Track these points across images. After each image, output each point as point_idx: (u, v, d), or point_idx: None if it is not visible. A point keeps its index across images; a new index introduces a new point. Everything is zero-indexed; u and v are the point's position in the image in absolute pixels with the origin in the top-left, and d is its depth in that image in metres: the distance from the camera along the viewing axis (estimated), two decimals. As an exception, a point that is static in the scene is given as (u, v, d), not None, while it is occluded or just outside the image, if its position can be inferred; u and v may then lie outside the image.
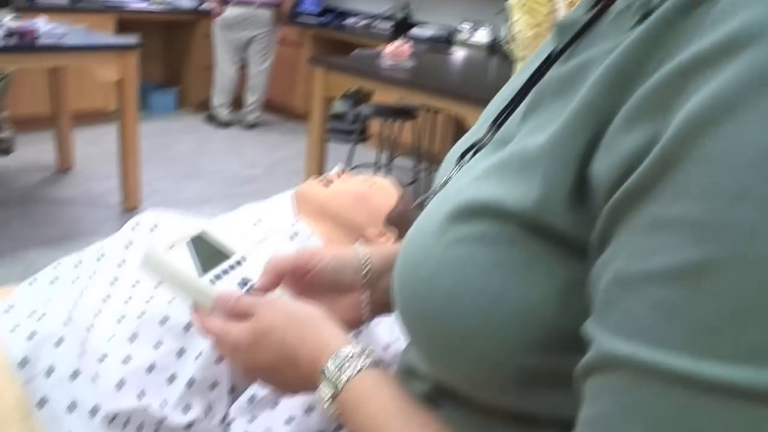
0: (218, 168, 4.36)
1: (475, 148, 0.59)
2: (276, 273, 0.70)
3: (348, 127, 5.32)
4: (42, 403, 0.77)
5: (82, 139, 4.26)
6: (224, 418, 0.92)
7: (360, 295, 0.75)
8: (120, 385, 0.85)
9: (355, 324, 0.75)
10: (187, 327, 0.92)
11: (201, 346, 0.91)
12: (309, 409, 0.90)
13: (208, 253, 0.72)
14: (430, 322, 0.49)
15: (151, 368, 0.89)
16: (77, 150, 3.98)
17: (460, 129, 4.63)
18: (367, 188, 1.33)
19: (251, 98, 5.44)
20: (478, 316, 0.46)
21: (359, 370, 0.56)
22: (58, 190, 3.63)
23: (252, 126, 5.48)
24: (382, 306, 0.75)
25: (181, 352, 0.91)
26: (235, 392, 0.93)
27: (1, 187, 3.52)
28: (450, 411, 0.56)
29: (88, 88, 4.54)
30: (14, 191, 3.53)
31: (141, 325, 0.91)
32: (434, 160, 4.65)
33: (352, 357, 0.57)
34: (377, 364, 0.58)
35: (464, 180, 0.53)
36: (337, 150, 4.47)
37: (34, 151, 4.08)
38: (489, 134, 0.57)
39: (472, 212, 0.47)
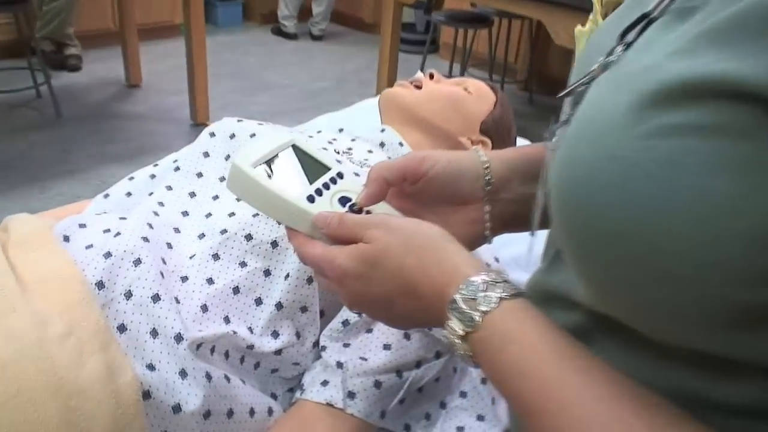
0: (286, 81, 4.25)
1: (644, 21, 0.45)
2: (382, 181, 0.60)
3: (418, 37, 5.10)
4: (122, 329, 0.70)
5: (150, 54, 4.21)
6: (315, 343, 0.84)
7: (480, 209, 0.64)
8: (204, 308, 0.77)
9: (473, 243, 0.65)
10: (274, 244, 0.83)
11: (290, 266, 0.82)
12: (407, 336, 0.81)
13: (302, 167, 0.63)
14: (614, 242, 0.37)
15: (236, 290, 0.81)
16: (145, 66, 3.92)
17: (538, 38, 4.34)
18: (461, 91, 1.18)
19: (317, 9, 5.26)
20: (690, 233, 0.34)
21: (498, 302, 0.46)
22: (128, 106, 3.60)
23: (319, 38, 5.32)
24: (504, 221, 0.65)
25: (267, 273, 0.83)
26: (325, 316, 0.85)
27: (71, 103, 3.51)
28: (610, 350, 0.45)
29: (154, 2, 4.47)
30: (85, 107, 3.51)
31: (224, 242, 0.83)
32: (510, 72, 4.40)
33: (487, 286, 0.47)
34: (518, 293, 0.47)
35: (650, 57, 0.40)
36: (408, 61, 4.27)
37: (103, 67, 4.04)
38: (661, 4, 0.44)
39: (685, 93, 0.35)
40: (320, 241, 0.56)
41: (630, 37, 0.44)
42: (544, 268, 0.56)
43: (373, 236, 0.52)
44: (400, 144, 1.09)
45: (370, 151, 1.04)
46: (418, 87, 1.18)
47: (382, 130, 1.12)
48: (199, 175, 0.96)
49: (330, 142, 1.03)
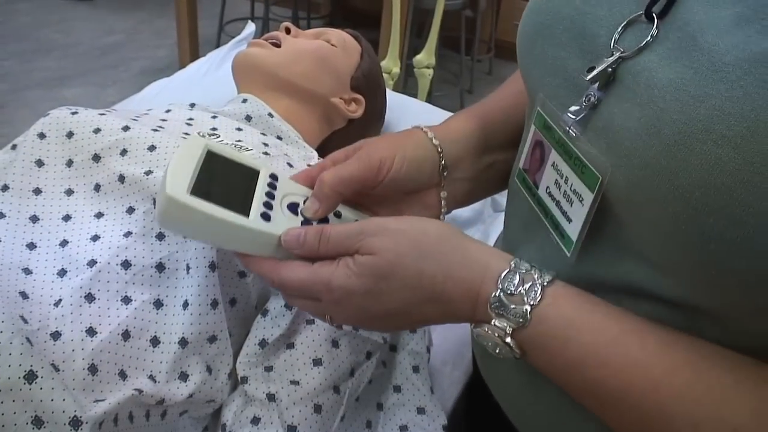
0: (70, 39, 3.80)
1: None
2: (336, 196, 0.55)
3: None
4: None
5: None
6: (230, 374, 0.71)
7: (435, 193, 0.61)
8: (93, 369, 0.62)
9: None
10: (160, 267, 0.69)
11: (186, 290, 0.68)
12: (335, 344, 0.72)
13: (231, 177, 0.55)
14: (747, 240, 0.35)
15: (126, 335, 0.65)
16: None
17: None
18: (326, 46, 1.07)
19: None
20: None
21: (543, 292, 0.44)
22: None
23: None
24: (457, 200, 0.63)
25: (159, 304, 0.68)
26: (232, 336, 0.71)
27: None
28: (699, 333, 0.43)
29: None
30: None
31: (95, 277, 0.67)
32: (314, 8, 4.28)
33: (523, 277, 0.45)
34: (554, 278, 0.45)
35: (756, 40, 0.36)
36: (206, 1, 3.98)
37: None
38: None
39: None
40: (290, 260, 0.50)
41: (657, 9, 0.41)
42: (574, 255, 0.49)
43: (374, 246, 0.47)
44: (270, 115, 0.97)
45: (239, 129, 0.90)
46: (276, 45, 1.05)
47: (244, 101, 0.99)
48: (37, 191, 0.75)
49: (188, 124, 0.88)
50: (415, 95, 2.80)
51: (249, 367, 0.70)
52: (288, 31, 1.08)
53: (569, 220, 0.47)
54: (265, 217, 0.51)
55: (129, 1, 4.57)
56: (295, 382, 0.69)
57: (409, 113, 1.29)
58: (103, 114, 0.82)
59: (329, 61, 1.06)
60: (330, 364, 0.70)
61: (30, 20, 4.04)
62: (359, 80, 1.10)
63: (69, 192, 0.76)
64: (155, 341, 0.67)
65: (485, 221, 1.19)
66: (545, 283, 0.44)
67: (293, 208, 0.55)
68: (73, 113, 0.81)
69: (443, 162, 0.61)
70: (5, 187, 0.75)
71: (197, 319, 0.67)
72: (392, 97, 1.29)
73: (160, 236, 0.70)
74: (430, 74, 2.69)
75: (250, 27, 1.53)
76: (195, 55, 3.26)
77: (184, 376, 0.67)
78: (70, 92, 3.14)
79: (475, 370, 0.75)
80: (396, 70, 2.51)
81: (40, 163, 0.77)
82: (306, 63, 1.03)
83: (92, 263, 0.68)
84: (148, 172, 0.73)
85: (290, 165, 0.84)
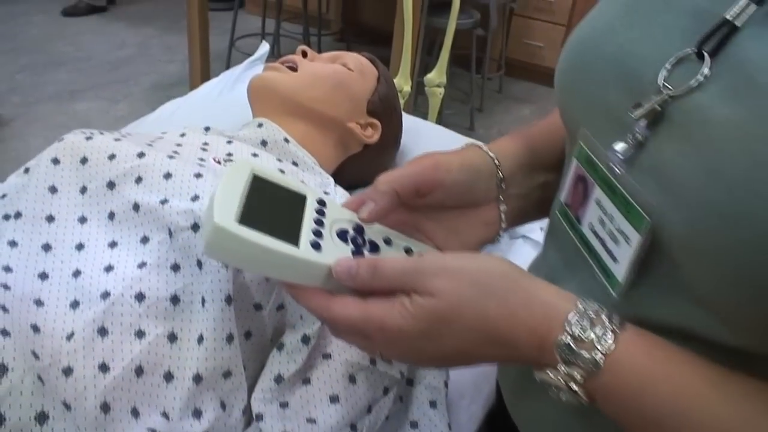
0: (81, 53, 3.81)
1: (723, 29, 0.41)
2: (393, 195, 0.52)
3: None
4: None
5: None
6: (244, 410, 0.69)
7: (494, 209, 0.59)
8: (105, 407, 0.61)
9: (480, 247, 0.60)
10: (175, 300, 0.67)
11: (201, 324, 0.66)
12: (352, 379, 0.70)
13: (278, 203, 0.53)
14: None
15: (139, 371, 0.64)
16: None
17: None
18: (343, 69, 1.06)
19: None
20: None
21: (615, 339, 0.41)
22: None
23: (98, 7, 4.58)
24: (511, 219, 0.61)
25: (173, 338, 0.66)
26: (246, 370, 0.69)
27: None
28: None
29: None
30: None
31: (109, 310, 0.65)
32: (325, 25, 4.30)
33: (592, 320, 0.42)
34: (623, 322, 0.43)
35: None
36: (214, 19, 4.00)
37: None
38: (743, 12, 0.40)
39: None
40: (341, 293, 0.48)
41: (708, 47, 0.40)
42: (620, 295, 0.47)
43: (433, 287, 0.44)
44: (286, 140, 0.96)
45: (254, 155, 0.89)
46: (293, 68, 1.04)
47: (260, 125, 0.97)
48: (50, 219, 0.74)
49: (203, 149, 0.87)
50: (425, 113, 2.79)
51: (264, 404, 0.68)
52: (304, 54, 1.07)
53: (615, 260, 0.45)
54: (316, 246, 0.49)
55: (140, 16, 4.59)
56: (311, 420, 0.67)
57: (422, 136, 1.27)
58: (118, 140, 0.80)
59: (346, 85, 1.04)
60: (347, 401, 0.68)
61: (42, 33, 4.06)
62: (376, 105, 1.08)
63: (82, 220, 0.74)
64: (169, 377, 0.65)
65: (501, 248, 1.18)
66: (617, 329, 0.42)
67: (343, 235, 0.52)
68: (88, 138, 0.79)
69: (501, 174, 0.59)
70: (18, 214, 0.74)
71: (212, 354, 0.65)
72: (405, 119, 1.28)
73: (175, 267, 0.68)
74: (441, 93, 2.68)
75: (264, 47, 1.52)
76: (206, 71, 3.27)
77: (197, 413, 0.65)
78: (81, 106, 3.14)
79: (498, 404, 0.73)
80: (407, 88, 2.50)
81: (53, 190, 0.76)
82: (323, 87, 1.02)
83: (105, 295, 0.67)
84: (164, 201, 0.72)
85: None
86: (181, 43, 3.92)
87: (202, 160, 0.83)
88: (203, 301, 0.67)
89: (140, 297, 0.66)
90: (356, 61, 1.09)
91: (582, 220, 0.50)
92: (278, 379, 0.68)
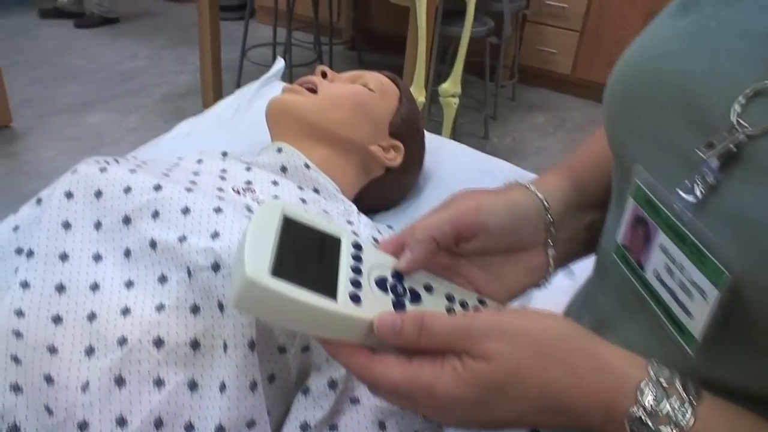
0: (93, 65, 3.81)
1: None
2: (431, 243, 0.49)
3: (231, 2, 4.79)
4: None
5: None
6: None
7: (540, 254, 0.55)
8: None
9: (526, 290, 0.56)
10: (195, 345, 0.64)
11: (223, 371, 0.63)
12: (381, 426, 0.66)
13: (311, 248, 0.48)
14: None
15: (159, 423, 0.60)
16: None
17: (358, -7, 4.26)
18: (364, 90, 1.02)
19: None
20: None
21: (693, 412, 0.38)
22: None
23: (110, 19, 4.56)
24: (558, 262, 0.57)
25: (193, 386, 0.63)
26: (270, 415, 0.66)
27: None
28: None
29: None
30: None
31: (126, 357, 0.62)
32: (336, 33, 4.27)
33: (666, 390, 0.39)
34: (699, 390, 0.39)
35: None
36: (224, 29, 3.99)
37: None
38: None
39: None
40: (383, 350, 0.44)
41: None
42: (697, 356, 0.43)
43: (489, 351, 0.40)
44: (307, 166, 0.92)
45: (275, 183, 0.86)
46: (312, 90, 1.00)
47: (279, 150, 0.94)
48: (63, 257, 0.70)
49: (222, 177, 0.84)
50: (438, 122, 2.76)
51: None
52: (324, 75, 1.03)
53: (689, 315, 0.41)
54: (355, 298, 0.45)
55: (151, 27, 4.59)
56: None
57: (444, 155, 1.24)
58: (134, 171, 0.77)
59: (367, 107, 1.01)
60: None
61: (55, 45, 4.06)
62: (398, 126, 1.04)
63: (97, 257, 0.71)
64: (190, 428, 0.62)
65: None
66: (694, 400, 0.38)
67: (382, 284, 0.48)
68: (102, 170, 0.76)
69: (551, 217, 0.55)
70: (30, 253, 0.70)
71: (235, 403, 0.62)
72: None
73: (195, 309, 0.65)
74: (455, 103, 2.65)
75: (279, 63, 1.49)
76: (218, 82, 3.25)
77: None
78: (93, 118, 3.13)
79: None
80: (421, 99, 2.47)
81: (66, 225, 0.73)
82: (343, 110, 0.98)
83: (122, 341, 0.64)
84: (182, 239, 0.69)
85: None
86: (193, 54, 3.92)
87: (220, 190, 0.80)
88: (225, 346, 0.64)
89: (159, 342, 0.63)
90: (377, 80, 1.05)
91: (645, 266, 0.46)
92: (304, 427, 0.65)
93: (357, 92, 1.01)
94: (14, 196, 2.41)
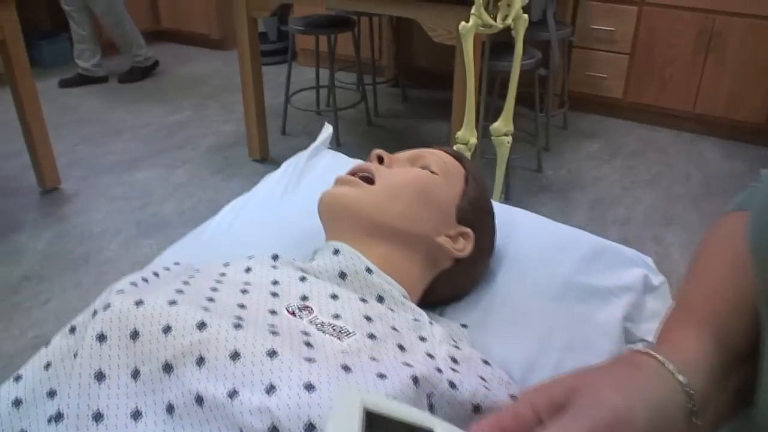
0: (139, 120, 3.82)
1: None
2: None
3: (271, 47, 4.81)
4: None
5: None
6: None
7: None
8: None
9: None
10: None
11: None
12: None
13: None
14: None
15: None
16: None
17: (399, 30, 4.20)
18: (426, 174, 0.91)
19: (117, 40, 4.43)
20: None
21: None
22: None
23: (148, 69, 4.58)
24: None
25: None
26: None
27: None
28: None
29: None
30: None
31: None
32: (379, 72, 4.22)
33: None
34: None
35: None
36: (266, 74, 3.97)
37: None
38: None
39: None
40: None
41: None
42: None
43: None
44: (368, 270, 0.82)
45: (334, 297, 0.76)
46: (369, 180, 0.89)
47: (336, 252, 0.84)
48: (97, 417, 0.61)
49: (274, 294, 0.74)
50: (490, 158, 2.64)
51: None
52: (381, 160, 0.93)
53: None
54: None
55: (194, 76, 4.61)
56: None
57: (515, 226, 1.12)
58: (174, 303, 0.68)
59: (431, 194, 0.89)
60: None
61: (100, 102, 4.10)
62: (466, 211, 0.93)
63: (136, 415, 0.61)
64: None
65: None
66: None
67: None
68: (138, 303, 0.67)
69: (693, 407, 0.44)
70: (59, 416, 0.61)
71: None
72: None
73: None
74: (509, 142, 2.54)
75: (327, 130, 1.41)
76: (263, 130, 3.21)
77: None
78: (140, 175, 3.12)
79: None
80: (473, 140, 2.37)
81: (100, 377, 0.63)
82: (405, 200, 0.87)
83: None
84: (232, 394, 0.58)
85: (402, 348, 0.69)
86: (236, 102, 3.91)
87: (273, 313, 0.70)
88: None
89: None
90: (439, 161, 0.94)
91: None
92: None
93: (418, 177, 0.90)
94: (64, 263, 2.39)
